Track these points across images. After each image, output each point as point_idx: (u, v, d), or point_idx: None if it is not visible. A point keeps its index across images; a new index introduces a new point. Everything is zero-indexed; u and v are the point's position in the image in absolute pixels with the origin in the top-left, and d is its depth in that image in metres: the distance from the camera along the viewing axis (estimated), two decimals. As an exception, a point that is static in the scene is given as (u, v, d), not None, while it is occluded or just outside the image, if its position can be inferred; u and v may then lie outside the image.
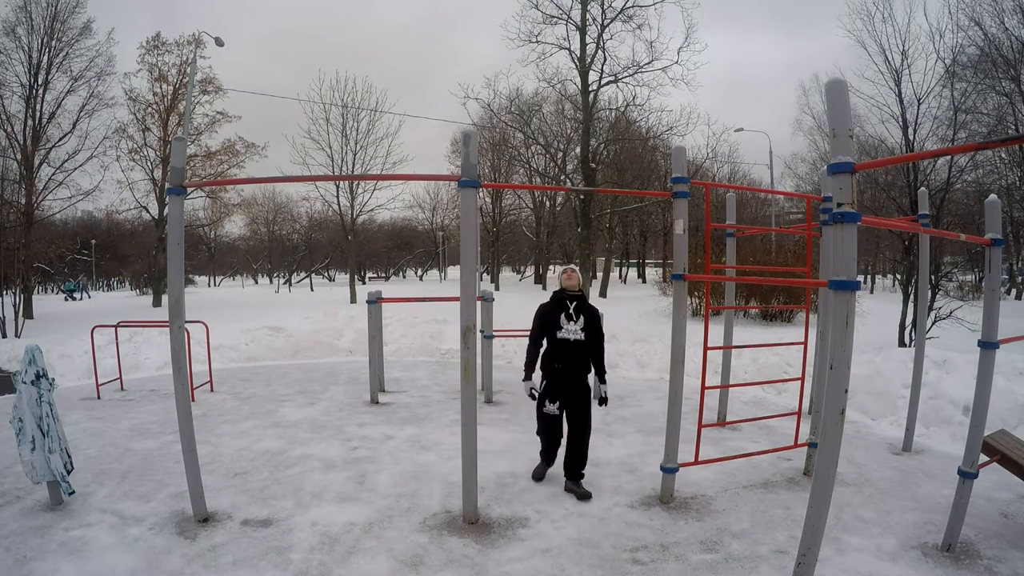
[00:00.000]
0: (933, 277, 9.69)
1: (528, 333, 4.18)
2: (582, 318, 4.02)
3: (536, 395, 4.08)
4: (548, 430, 4.18)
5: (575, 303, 4.05)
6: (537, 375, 4.12)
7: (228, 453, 4.86)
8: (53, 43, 18.75)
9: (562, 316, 4.00)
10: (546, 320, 4.04)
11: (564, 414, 4.12)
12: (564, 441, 4.21)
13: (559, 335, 3.97)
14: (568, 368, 3.99)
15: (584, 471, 4.14)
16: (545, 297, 4.35)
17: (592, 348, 4.07)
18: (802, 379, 4.97)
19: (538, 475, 4.27)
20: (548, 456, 4.30)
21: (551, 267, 45.37)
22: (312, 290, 37.84)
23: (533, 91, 25.35)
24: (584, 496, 3.95)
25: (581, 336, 3.99)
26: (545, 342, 4.08)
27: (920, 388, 5.15)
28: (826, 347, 4.16)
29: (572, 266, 4.33)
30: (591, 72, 21.16)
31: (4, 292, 13.94)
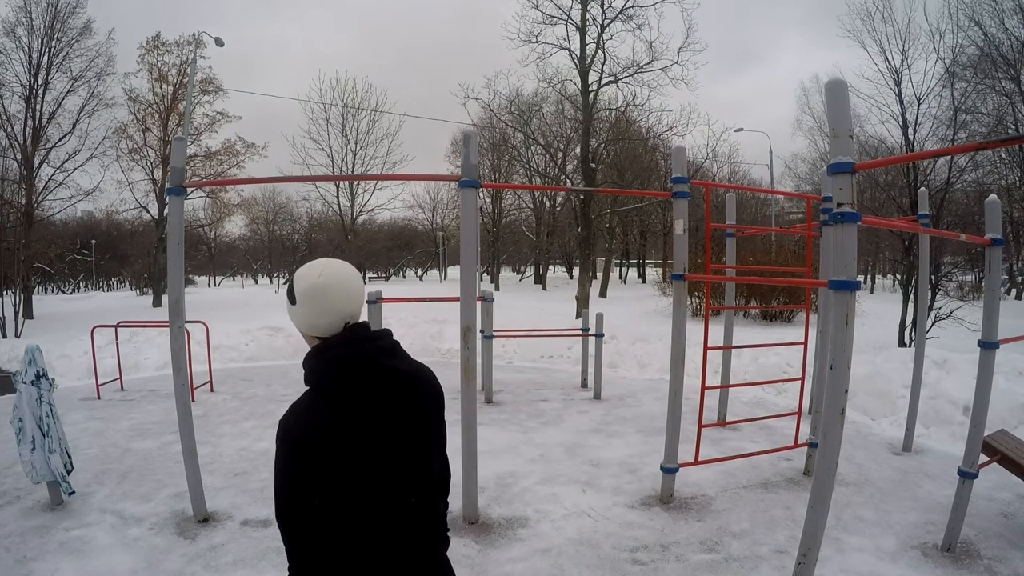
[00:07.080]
0: (933, 277, 9.69)
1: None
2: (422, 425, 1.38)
3: None
4: None
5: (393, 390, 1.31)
6: None
7: (228, 453, 4.87)
8: (53, 43, 18.73)
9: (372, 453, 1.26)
10: (322, 469, 1.22)
11: None
12: None
13: (374, 504, 1.28)
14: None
15: None
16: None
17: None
18: (802, 379, 4.98)
19: None
20: None
21: (551, 267, 45.29)
22: (312, 290, 37.69)
23: (533, 91, 25.34)
24: None
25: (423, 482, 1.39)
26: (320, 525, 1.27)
27: (920, 388, 5.14)
28: (826, 347, 4.16)
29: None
30: (591, 72, 21.09)
31: (4, 292, 13.94)
